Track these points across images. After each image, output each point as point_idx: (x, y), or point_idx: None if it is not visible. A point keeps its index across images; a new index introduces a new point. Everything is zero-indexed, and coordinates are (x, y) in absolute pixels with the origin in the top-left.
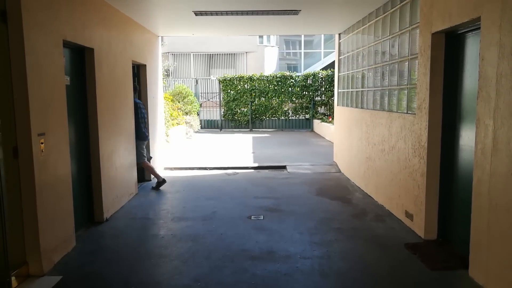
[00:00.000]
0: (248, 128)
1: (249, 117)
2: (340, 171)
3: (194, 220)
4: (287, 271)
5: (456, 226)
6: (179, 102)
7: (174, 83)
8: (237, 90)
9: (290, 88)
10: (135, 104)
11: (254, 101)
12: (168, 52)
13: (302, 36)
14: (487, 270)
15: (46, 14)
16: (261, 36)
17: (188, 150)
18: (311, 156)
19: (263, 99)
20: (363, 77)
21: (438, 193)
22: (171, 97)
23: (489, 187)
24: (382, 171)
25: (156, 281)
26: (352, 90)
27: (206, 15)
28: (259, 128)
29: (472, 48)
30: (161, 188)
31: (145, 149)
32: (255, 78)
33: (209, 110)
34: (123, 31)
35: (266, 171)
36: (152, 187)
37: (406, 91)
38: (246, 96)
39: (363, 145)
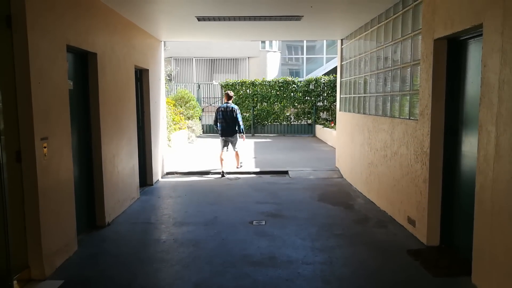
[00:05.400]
0: (250, 133)
1: (251, 122)
2: (342, 177)
3: (195, 225)
4: (289, 276)
5: (458, 233)
6: (181, 106)
7: (176, 88)
8: (239, 95)
9: (292, 93)
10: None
11: (256, 106)
12: (171, 57)
13: (304, 41)
14: (490, 277)
15: (51, 19)
16: (263, 42)
17: (190, 155)
18: (313, 161)
19: (265, 104)
20: (365, 82)
21: (441, 199)
22: (174, 101)
23: (492, 193)
24: (384, 177)
25: (157, 286)
26: (354, 95)
27: (209, 20)
28: (261, 133)
29: (474, 54)
30: (162, 192)
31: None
32: (257, 83)
33: (211, 115)
34: (126, 36)
35: (268, 176)
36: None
37: (408, 97)
38: (248, 101)
39: (365, 151)
